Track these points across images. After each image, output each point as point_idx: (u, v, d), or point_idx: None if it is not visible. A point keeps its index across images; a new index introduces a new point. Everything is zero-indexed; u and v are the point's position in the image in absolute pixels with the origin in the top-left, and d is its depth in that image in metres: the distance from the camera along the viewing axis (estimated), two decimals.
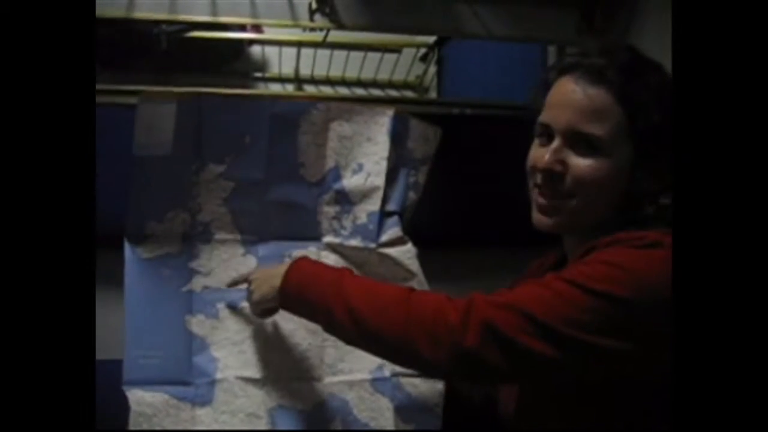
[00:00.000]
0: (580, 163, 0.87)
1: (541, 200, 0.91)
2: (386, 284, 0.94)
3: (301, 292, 0.94)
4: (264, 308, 1.01)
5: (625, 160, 0.87)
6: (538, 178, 0.90)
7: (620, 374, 0.82)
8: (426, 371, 0.90)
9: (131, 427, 0.98)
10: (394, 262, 1.11)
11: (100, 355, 0.93)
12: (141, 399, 0.99)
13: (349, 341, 0.92)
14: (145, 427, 0.99)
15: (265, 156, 1.08)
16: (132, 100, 1.05)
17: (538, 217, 0.92)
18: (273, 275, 0.97)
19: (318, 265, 0.98)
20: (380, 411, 1.07)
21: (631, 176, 0.88)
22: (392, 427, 1.07)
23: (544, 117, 0.91)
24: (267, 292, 0.98)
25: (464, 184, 1.33)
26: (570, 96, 0.88)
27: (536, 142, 0.93)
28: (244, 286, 1.05)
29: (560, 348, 0.79)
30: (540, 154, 0.90)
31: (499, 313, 0.81)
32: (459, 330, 0.81)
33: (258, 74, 1.86)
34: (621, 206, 0.90)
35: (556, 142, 0.88)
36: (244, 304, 1.07)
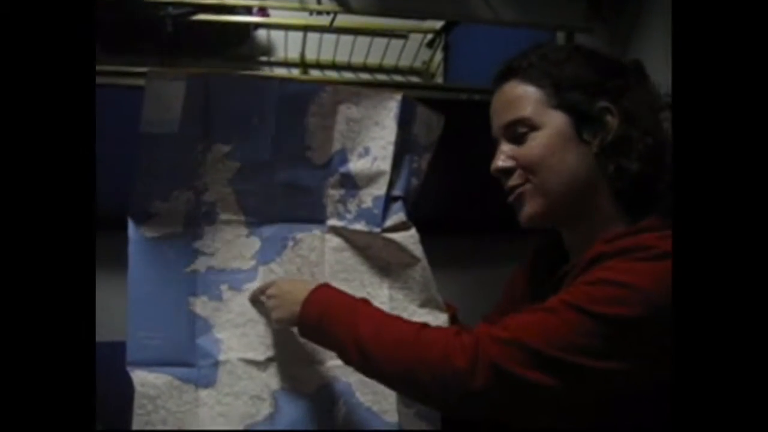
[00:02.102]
0: (522, 148, 0.93)
1: (512, 199, 0.95)
2: (397, 320, 0.93)
3: (318, 324, 0.96)
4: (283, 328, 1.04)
5: (562, 125, 0.91)
6: (504, 182, 0.96)
7: (630, 391, 0.81)
8: (435, 409, 0.90)
9: (136, 408, 0.99)
10: (399, 247, 1.11)
11: (103, 337, 0.93)
12: (145, 380, 0.99)
13: (364, 375, 0.94)
14: (149, 408, 0.99)
15: (272, 137, 1.07)
16: (137, 81, 1.04)
17: (520, 216, 0.95)
18: (292, 300, 0.99)
19: (335, 295, 0.98)
20: (383, 395, 1.07)
21: (581, 140, 0.91)
22: (394, 411, 1.07)
23: (492, 134, 0.98)
24: (285, 317, 1.00)
25: (470, 170, 1.32)
26: (494, 106, 0.98)
27: None
28: (248, 266, 1.05)
29: (571, 378, 0.79)
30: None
31: (506, 351, 0.80)
32: (467, 374, 0.81)
33: (263, 58, 1.85)
34: (590, 177, 0.91)
35: (500, 144, 0.96)
36: (247, 286, 1.07)
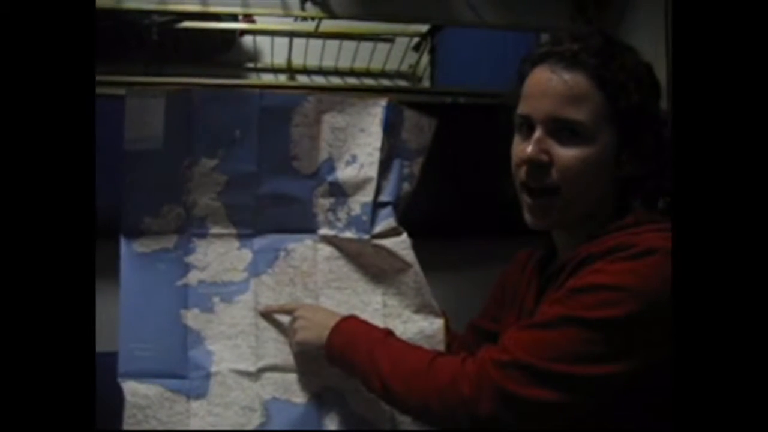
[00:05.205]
0: (566, 153, 0.86)
1: (530, 200, 0.90)
2: (414, 349, 0.95)
3: (344, 354, 0.98)
4: (303, 350, 1.04)
5: (609, 145, 0.87)
6: (523, 173, 0.89)
7: (633, 390, 0.81)
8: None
9: (126, 418, 0.99)
10: (389, 253, 1.11)
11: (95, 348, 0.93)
12: (136, 390, 0.99)
13: (388, 405, 0.99)
14: (139, 418, 0.99)
15: (257, 148, 1.08)
16: (123, 91, 1.04)
17: (530, 220, 0.91)
18: (321, 324, 1.01)
19: (360, 326, 1.00)
20: (376, 403, 1.06)
21: (616, 161, 0.87)
22: (388, 420, 1.07)
23: (523, 108, 0.90)
24: (312, 340, 1.02)
25: (458, 174, 1.33)
26: (546, 84, 0.87)
27: (517, 137, 0.92)
28: (240, 278, 1.06)
29: (576, 389, 0.80)
30: (523, 148, 0.89)
31: (509, 374, 0.81)
32: (473, 402, 0.82)
33: (250, 65, 1.85)
34: (608, 193, 0.90)
35: (538, 132, 0.87)
36: (239, 298, 1.07)
